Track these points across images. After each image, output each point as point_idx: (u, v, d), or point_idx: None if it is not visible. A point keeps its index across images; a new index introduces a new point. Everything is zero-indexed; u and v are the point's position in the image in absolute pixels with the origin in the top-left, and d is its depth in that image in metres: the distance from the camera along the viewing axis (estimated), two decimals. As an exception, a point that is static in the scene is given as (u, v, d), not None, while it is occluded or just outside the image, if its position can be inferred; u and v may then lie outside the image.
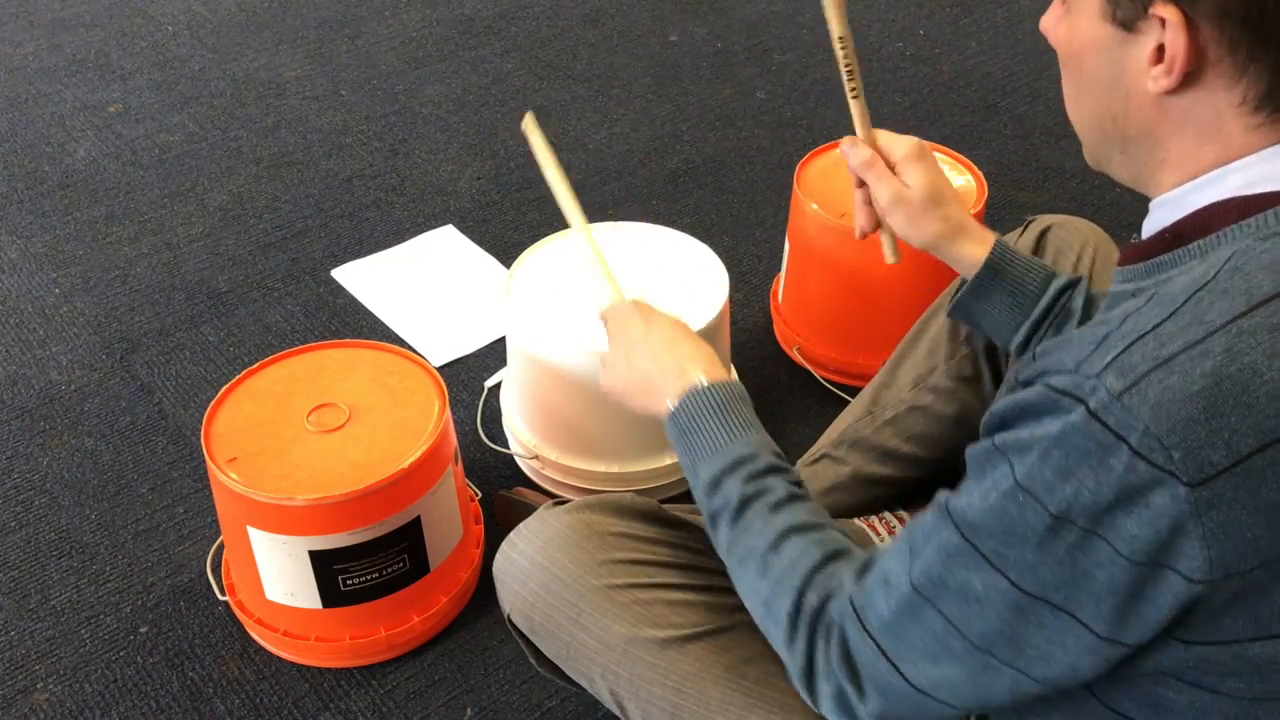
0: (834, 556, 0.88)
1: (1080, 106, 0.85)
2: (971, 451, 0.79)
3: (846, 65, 1.15)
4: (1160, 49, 0.74)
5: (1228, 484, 0.67)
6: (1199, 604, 0.70)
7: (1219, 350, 0.67)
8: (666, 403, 1.01)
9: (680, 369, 1.02)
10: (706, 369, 1.02)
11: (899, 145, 1.16)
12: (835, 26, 1.13)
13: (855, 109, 1.17)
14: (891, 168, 1.15)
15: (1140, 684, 0.77)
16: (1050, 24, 0.84)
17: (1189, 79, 0.75)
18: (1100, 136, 0.84)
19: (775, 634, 0.89)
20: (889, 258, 1.23)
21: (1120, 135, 0.82)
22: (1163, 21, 0.73)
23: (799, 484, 0.95)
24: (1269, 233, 0.73)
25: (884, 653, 0.80)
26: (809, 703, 0.87)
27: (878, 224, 1.21)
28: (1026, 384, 0.75)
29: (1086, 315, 1.13)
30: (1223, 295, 0.70)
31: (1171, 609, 0.70)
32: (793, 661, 0.87)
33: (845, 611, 0.83)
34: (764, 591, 0.90)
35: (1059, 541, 0.71)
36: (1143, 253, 0.81)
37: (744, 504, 0.93)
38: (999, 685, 0.78)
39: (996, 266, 1.15)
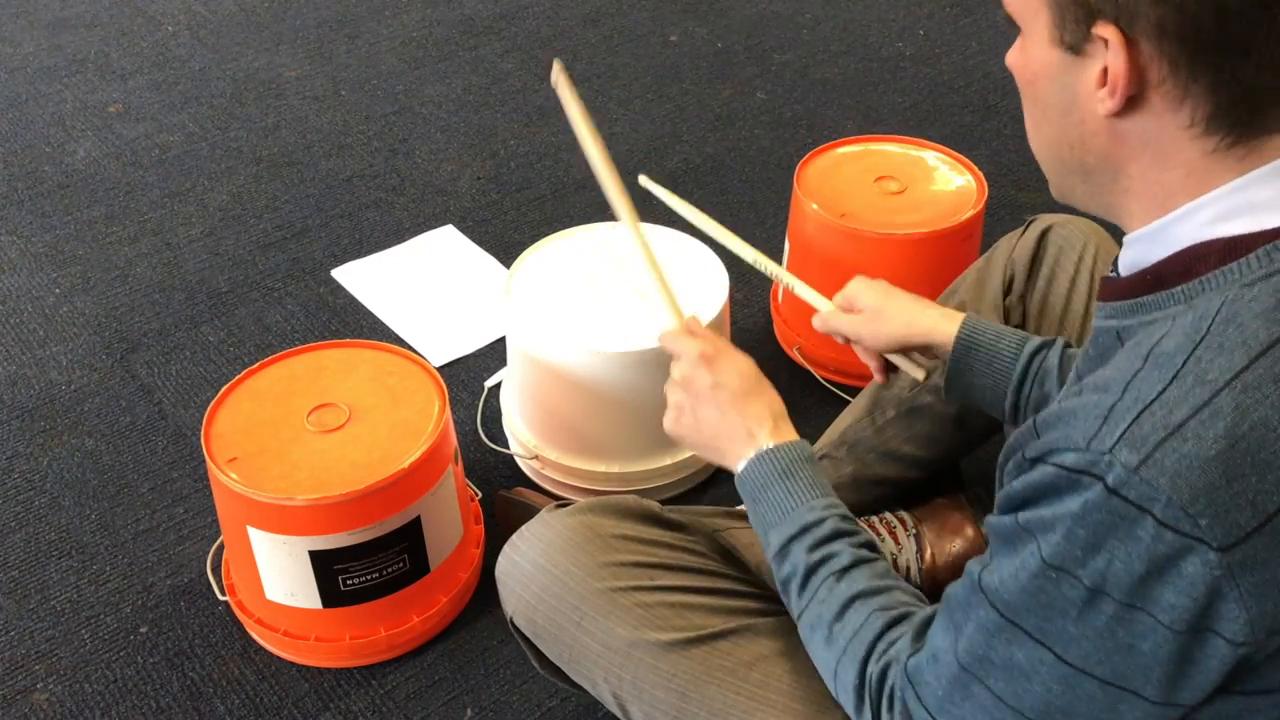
0: (896, 622, 0.89)
1: (1039, 136, 0.83)
2: (993, 523, 0.79)
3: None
4: (1106, 71, 0.73)
5: (1259, 544, 0.67)
6: (1243, 661, 0.70)
7: (1228, 410, 0.67)
8: (736, 466, 1.03)
9: (748, 432, 1.03)
10: (773, 428, 1.03)
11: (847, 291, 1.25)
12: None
13: (807, 297, 1.30)
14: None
15: None
16: (1013, 57, 0.83)
17: (1135, 101, 0.74)
18: (1061, 167, 0.83)
19: (845, 700, 0.91)
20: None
21: (1080, 164, 0.80)
22: (1106, 43, 0.72)
23: (866, 544, 0.96)
24: (1254, 277, 0.71)
25: None
26: None
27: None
28: (1035, 461, 0.75)
29: (1064, 371, 1.14)
30: (1220, 351, 0.69)
31: (1220, 672, 0.70)
32: None
33: (904, 684, 0.84)
34: (830, 661, 0.92)
35: (1098, 614, 0.71)
36: (1124, 291, 0.80)
37: (810, 572, 0.95)
38: None
39: (967, 342, 1.19)
